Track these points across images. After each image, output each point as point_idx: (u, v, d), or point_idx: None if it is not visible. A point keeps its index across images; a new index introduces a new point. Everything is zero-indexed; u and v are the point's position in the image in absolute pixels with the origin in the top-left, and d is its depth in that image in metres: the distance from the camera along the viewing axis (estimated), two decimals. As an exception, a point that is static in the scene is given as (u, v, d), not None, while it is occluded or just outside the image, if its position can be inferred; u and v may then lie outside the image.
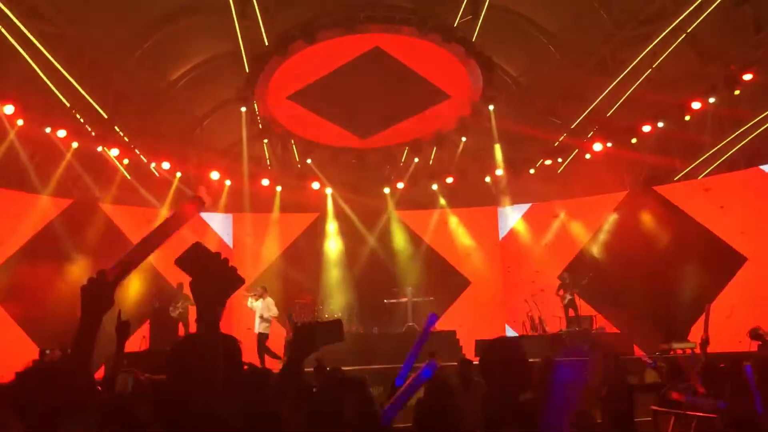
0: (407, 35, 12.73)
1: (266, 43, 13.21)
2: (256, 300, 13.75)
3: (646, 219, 16.32)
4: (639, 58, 13.68)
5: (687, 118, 14.14)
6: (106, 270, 2.10)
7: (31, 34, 11.81)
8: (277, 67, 13.23)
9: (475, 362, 8.38)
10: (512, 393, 2.89)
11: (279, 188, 17.70)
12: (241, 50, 13.95)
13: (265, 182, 17.12)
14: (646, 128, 14.64)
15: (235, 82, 14.01)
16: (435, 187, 18.04)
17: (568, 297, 14.89)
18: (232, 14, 12.83)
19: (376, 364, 11.73)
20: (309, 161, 16.98)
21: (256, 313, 13.71)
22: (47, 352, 11.43)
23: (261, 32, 13.34)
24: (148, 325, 14.45)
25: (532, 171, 17.08)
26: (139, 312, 14.03)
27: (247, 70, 13.70)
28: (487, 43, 13.57)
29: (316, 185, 17.59)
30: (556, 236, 17.56)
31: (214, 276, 1.87)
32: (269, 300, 13.88)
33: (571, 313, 14.83)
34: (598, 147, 15.51)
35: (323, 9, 12.66)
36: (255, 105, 14.56)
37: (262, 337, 13.58)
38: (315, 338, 2.56)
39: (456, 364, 7.79)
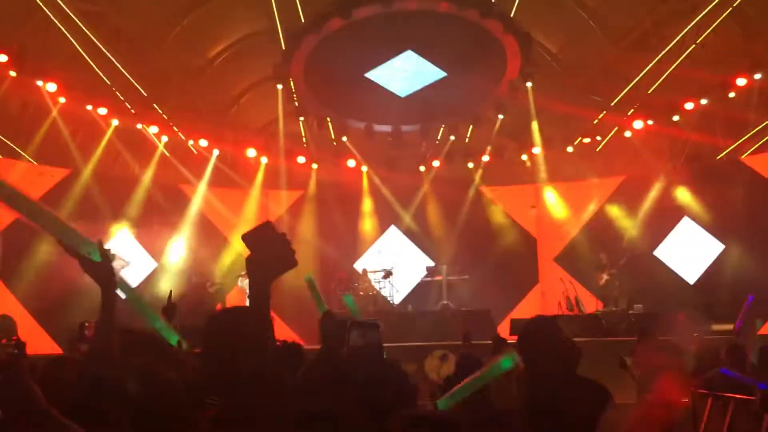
0: (444, 11, 12.59)
1: (302, 20, 13.19)
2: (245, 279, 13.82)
3: (686, 196, 16.01)
4: (682, 34, 13.33)
5: (731, 95, 13.77)
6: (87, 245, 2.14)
7: (73, 13, 11.99)
8: (313, 43, 13.22)
9: (509, 341, 8.39)
10: (552, 373, 2.85)
11: (315, 166, 17.78)
12: (277, 27, 13.96)
13: (301, 160, 17.21)
14: (689, 105, 14.29)
15: (272, 60, 14.04)
16: (471, 165, 17.92)
17: (606, 277, 14.73)
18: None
19: (410, 342, 11.82)
20: (344, 139, 16.98)
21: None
22: (86, 324, 11.67)
23: (297, 9, 13.32)
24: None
25: (570, 149, 16.84)
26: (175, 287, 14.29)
27: (284, 48, 13.71)
28: (526, 19, 13.35)
29: (351, 163, 17.61)
30: (594, 215, 17.34)
31: (272, 256, 1.92)
32: None
33: (609, 293, 14.67)
34: (638, 125, 15.21)
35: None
36: (291, 82, 14.59)
37: None
38: (350, 337, 2.58)
39: (490, 342, 7.80)
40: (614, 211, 17.07)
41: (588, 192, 17.48)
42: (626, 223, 16.78)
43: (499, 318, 14.31)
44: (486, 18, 12.48)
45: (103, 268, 2.15)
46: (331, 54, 13.59)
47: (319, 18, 12.62)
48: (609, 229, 16.86)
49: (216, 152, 16.42)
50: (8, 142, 13.50)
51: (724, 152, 15.53)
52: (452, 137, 17.06)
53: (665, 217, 16.33)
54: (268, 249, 1.91)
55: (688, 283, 16.00)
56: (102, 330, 2.19)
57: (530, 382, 3.00)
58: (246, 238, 1.93)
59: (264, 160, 17.16)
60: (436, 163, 17.74)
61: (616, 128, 16.03)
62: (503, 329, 12.91)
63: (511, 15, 13.00)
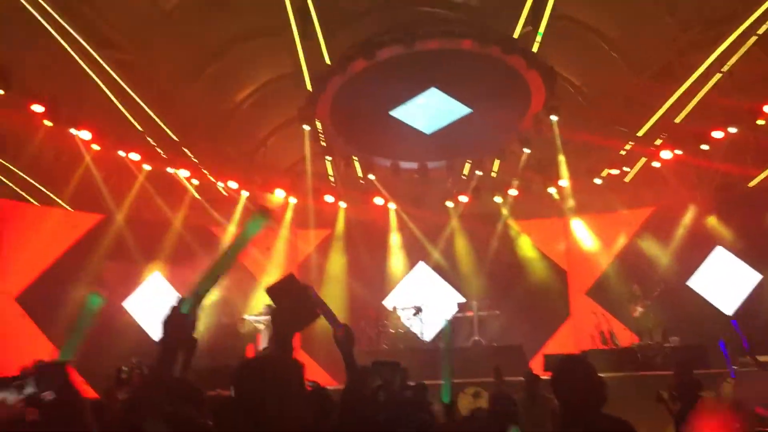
0: (466, 48, 12.72)
1: (327, 62, 13.42)
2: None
3: (717, 226, 15.77)
4: (707, 62, 13.27)
5: (760, 122, 13.61)
6: (182, 299, 2.08)
7: (105, 62, 12.36)
8: (338, 85, 13.42)
9: (543, 377, 8.26)
10: (585, 410, 2.89)
11: (343, 204, 17.90)
12: (302, 70, 14.22)
13: (329, 199, 17.35)
14: (717, 134, 14.15)
15: (298, 102, 14.27)
16: (498, 199, 17.89)
17: (640, 309, 14.49)
18: (293, 35, 13.10)
19: (437, 380, 11.67)
20: (371, 177, 17.09)
21: (262, 333, 13.77)
22: (124, 369, 11.74)
23: (322, 51, 13.57)
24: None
25: (597, 181, 16.74)
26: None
27: (309, 89, 13.94)
28: (549, 53, 13.42)
29: (379, 200, 17.70)
30: (625, 247, 17.14)
31: (296, 310, 1.95)
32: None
33: (643, 326, 14.39)
34: (666, 155, 15.09)
35: (382, 26, 12.79)
36: (317, 123, 14.79)
37: None
38: (374, 377, 2.59)
39: (522, 379, 7.70)
40: (645, 243, 16.86)
41: (617, 223, 17.32)
42: (658, 253, 16.55)
43: (530, 353, 14.11)
44: (509, 54, 12.57)
45: (187, 324, 2.15)
46: (356, 93, 13.78)
47: (343, 60, 12.84)
48: (641, 260, 16.64)
49: (245, 194, 16.63)
50: (44, 190, 13.85)
51: (756, 179, 15.31)
52: (478, 172, 17.08)
53: (697, 247, 16.09)
54: (291, 303, 1.95)
55: (725, 314, 15.63)
56: (153, 381, 2.20)
57: (563, 418, 3.06)
58: (270, 290, 1.98)
59: (292, 200, 17.32)
60: (463, 199, 17.74)
61: (644, 159, 15.91)
62: (536, 365, 12.74)
63: (534, 50, 13.08)
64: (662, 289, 14.70)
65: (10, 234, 13.72)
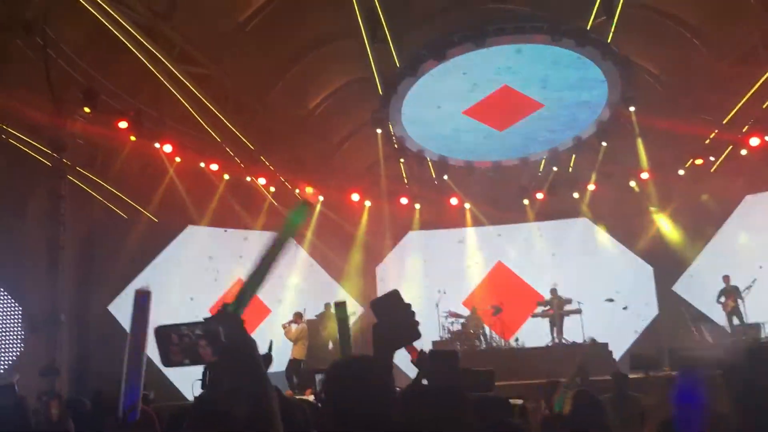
0: (539, 43, 12.50)
1: (398, 64, 13.46)
2: (291, 326, 13.86)
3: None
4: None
5: None
6: (227, 303, 1.97)
7: (183, 77, 12.80)
8: (409, 87, 13.44)
9: (630, 376, 8.01)
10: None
11: (418, 206, 17.90)
12: (373, 73, 14.31)
13: (404, 201, 17.39)
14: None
15: (370, 105, 14.38)
16: (576, 195, 17.49)
17: (731, 304, 13.88)
18: (363, 38, 13.21)
19: (522, 380, 11.50)
20: (446, 177, 17.03)
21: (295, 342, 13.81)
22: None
23: (392, 54, 13.62)
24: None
25: (681, 172, 16.13)
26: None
27: (381, 92, 14.02)
28: (624, 43, 13.03)
29: (454, 201, 17.61)
30: (713, 239, 16.43)
31: (397, 327, 1.97)
32: (303, 325, 13.97)
33: (736, 321, 13.80)
34: (755, 142, 14.38)
35: (452, 25, 12.71)
36: (390, 126, 14.86)
37: (297, 363, 13.66)
38: (463, 387, 2.56)
39: (609, 378, 7.49)
40: (735, 234, 16.13)
41: (705, 215, 16.62)
42: (749, 245, 15.80)
43: (617, 352, 13.73)
44: (583, 47, 12.28)
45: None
46: (428, 94, 13.77)
47: (413, 61, 12.84)
48: (731, 252, 15.92)
49: (321, 198, 16.88)
50: (132, 203, 14.45)
51: None
52: (555, 168, 16.76)
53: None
54: (395, 319, 1.96)
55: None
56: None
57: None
58: (374, 305, 1.99)
59: (368, 203, 17.46)
60: (539, 196, 17.44)
61: (730, 147, 15.23)
62: (622, 364, 12.39)
63: (609, 40, 12.72)
64: (755, 281, 14.02)
65: (101, 246, 14.37)
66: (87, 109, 11.35)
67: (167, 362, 1.87)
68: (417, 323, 1.99)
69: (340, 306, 3.21)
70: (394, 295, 2.02)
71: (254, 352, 1.83)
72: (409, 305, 2.00)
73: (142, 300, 2.43)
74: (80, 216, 13.63)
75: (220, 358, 1.81)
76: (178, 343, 1.87)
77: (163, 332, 1.89)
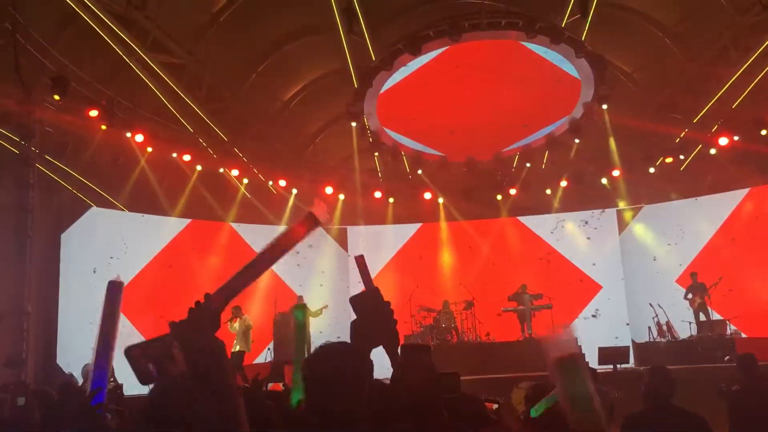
0: (514, 39, 12.57)
1: (373, 58, 13.44)
2: (235, 322, 13.79)
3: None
4: (765, 44, 12.81)
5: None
6: (211, 295, 1.99)
7: (156, 66, 12.65)
8: (384, 80, 13.43)
9: (598, 370, 8.13)
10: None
11: (391, 200, 17.92)
12: (349, 66, 14.28)
13: (378, 194, 17.39)
14: (777, 118, 13.66)
15: (345, 99, 14.34)
16: (549, 191, 17.65)
17: (698, 300, 14.13)
18: (339, 32, 13.16)
19: (494, 374, 11.61)
20: (420, 172, 17.06)
21: (238, 335, 13.69)
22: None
23: (368, 47, 13.60)
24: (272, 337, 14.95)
25: (651, 170, 16.35)
26: (264, 325, 14.66)
27: (356, 86, 13.99)
28: (598, 42, 13.17)
29: (428, 195, 17.66)
30: (681, 236, 16.68)
31: (376, 326, 1.96)
32: (245, 317, 13.87)
33: (702, 317, 14.05)
34: (723, 141, 14.63)
35: (427, 20, 12.71)
36: (365, 119, 14.84)
37: (241, 355, 13.64)
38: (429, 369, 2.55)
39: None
40: (703, 231, 16.41)
41: (673, 212, 16.89)
42: (716, 242, 16.09)
43: (585, 346, 13.87)
44: (557, 44, 12.37)
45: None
46: (404, 88, 13.78)
47: (389, 55, 12.82)
48: (699, 250, 16.20)
49: (294, 191, 16.80)
50: (102, 192, 14.25)
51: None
52: (528, 164, 16.89)
53: (759, 235, 15.55)
54: (374, 318, 1.96)
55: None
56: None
57: None
58: (354, 301, 1.99)
59: (341, 196, 17.43)
60: (513, 191, 17.57)
61: (700, 146, 15.48)
62: (591, 358, 12.55)
63: (583, 38, 12.84)
64: (722, 278, 14.30)
65: (71, 236, 14.14)
66: (56, 97, 11.15)
67: (144, 380, 1.87)
68: (395, 322, 2.00)
69: (299, 308, 3.03)
70: (375, 294, 2.01)
71: (220, 358, 1.82)
72: (388, 304, 2.00)
73: (115, 290, 2.43)
74: (48, 205, 13.42)
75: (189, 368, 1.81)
76: (148, 356, 1.89)
77: (132, 351, 1.90)
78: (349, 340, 2.05)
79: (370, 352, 1.98)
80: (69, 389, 5.96)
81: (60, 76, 11.07)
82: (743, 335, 13.71)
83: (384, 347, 2.02)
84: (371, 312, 1.98)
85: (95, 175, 13.93)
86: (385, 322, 1.98)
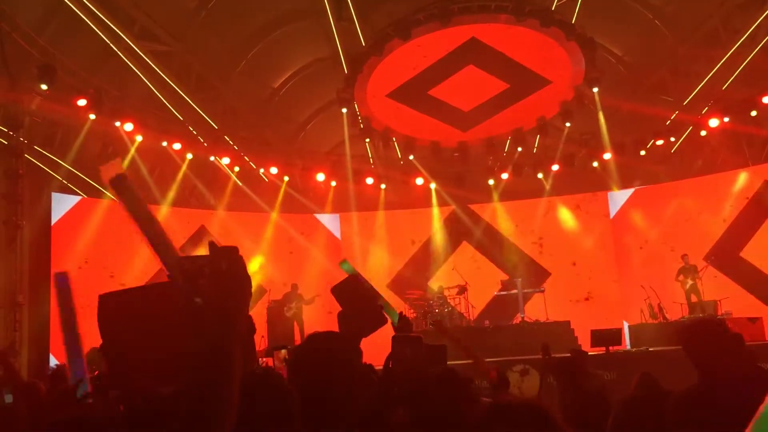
0: (504, 23, 12.53)
1: (363, 44, 13.38)
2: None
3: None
4: (755, 26, 12.83)
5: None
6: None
7: (145, 54, 12.55)
8: (374, 66, 13.37)
9: (590, 353, 8.17)
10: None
11: (383, 186, 17.89)
12: (339, 52, 14.20)
13: (370, 181, 17.36)
14: (767, 99, 13.69)
15: (335, 85, 14.28)
16: (540, 175, 17.66)
17: (690, 282, 14.20)
18: (328, 17, 13.09)
19: (488, 357, 11.64)
20: (411, 157, 17.02)
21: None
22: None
23: (357, 33, 13.53)
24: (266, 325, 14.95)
25: (642, 152, 16.37)
26: (258, 311, 14.63)
27: (346, 72, 13.92)
28: (588, 24, 13.14)
29: (419, 181, 17.64)
30: (673, 218, 16.75)
31: (362, 314, 1.96)
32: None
33: (694, 298, 14.14)
34: (714, 123, 14.66)
35: (417, 4, 12.65)
36: (355, 105, 14.79)
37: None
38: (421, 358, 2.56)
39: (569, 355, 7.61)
40: (694, 213, 16.48)
41: (664, 194, 16.95)
42: (708, 224, 16.17)
43: (578, 329, 13.98)
44: (547, 27, 12.34)
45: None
46: (393, 73, 13.72)
47: (378, 40, 12.77)
48: (690, 231, 16.27)
49: (286, 179, 16.76)
50: (92, 182, 14.16)
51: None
52: (519, 149, 16.88)
53: (750, 217, 15.63)
54: (357, 306, 1.96)
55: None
56: None
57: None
58: (336, 291, 1.99)
59: (333, 183, 17.39)
60: (504, 176, 17.57)
61: (690, 128, 15.51)
62: (584, 340, 12.63)
63: (572, 21, 12.81)
64: (713, 260, 14.37)
65: (59, 226, 14.08)
66: (44, 86, 11.05)
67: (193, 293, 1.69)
68: (380, 308, 2.00)
69: (345, 262, 2.85)
70: (355, 281, 2.01)
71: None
72: (370, 289, 2.00)
73: (62, 282, 2.42)
74: (39, 196, 13.34)
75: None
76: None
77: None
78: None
79: (359, 340, 1.97)
80: (58, 381, 5.94)
81: (47, 65, 10.97)
82: (733, 316, 13.79)
83: (368, 331, 2.02)
84: (355, 302, 1.98)
85: (85, 165, 13.83)
86: (370, 311, 1.98)
